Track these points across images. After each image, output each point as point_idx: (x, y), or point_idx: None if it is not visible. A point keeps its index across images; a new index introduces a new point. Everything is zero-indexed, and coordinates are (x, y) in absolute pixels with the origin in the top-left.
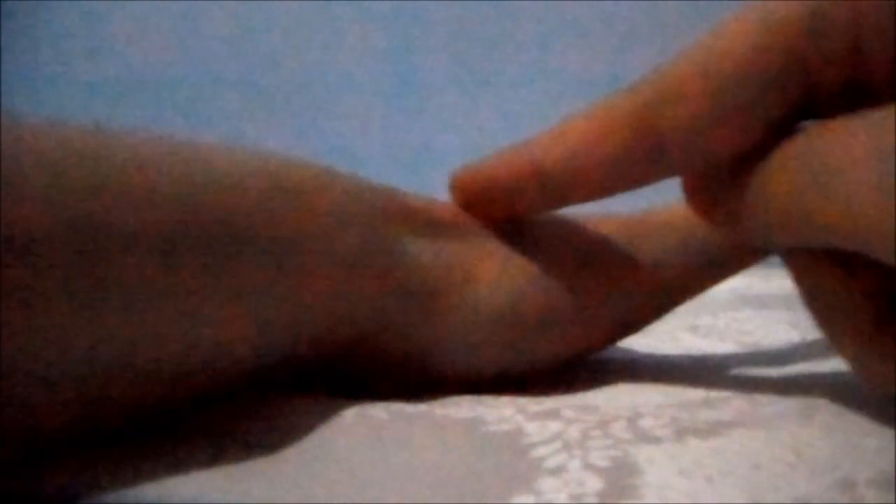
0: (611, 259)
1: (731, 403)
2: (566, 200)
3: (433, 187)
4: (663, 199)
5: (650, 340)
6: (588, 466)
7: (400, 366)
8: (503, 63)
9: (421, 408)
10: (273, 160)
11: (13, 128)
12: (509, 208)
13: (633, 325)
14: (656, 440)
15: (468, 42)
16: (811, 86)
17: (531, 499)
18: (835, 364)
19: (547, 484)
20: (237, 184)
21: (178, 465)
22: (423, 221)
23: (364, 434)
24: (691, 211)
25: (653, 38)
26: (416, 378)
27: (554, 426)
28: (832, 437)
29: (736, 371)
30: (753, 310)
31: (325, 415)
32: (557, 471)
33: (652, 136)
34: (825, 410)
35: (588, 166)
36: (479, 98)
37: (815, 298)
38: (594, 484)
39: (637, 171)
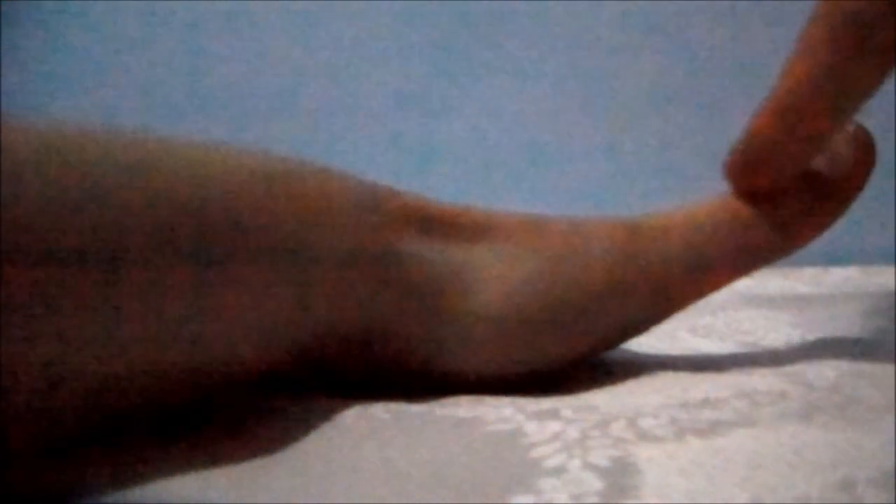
0: (613, 262)
1: (731, 403)
2: (810, 127)
3: (435, 184)
4: (664, 203)
5: (650, 340)
6: (588, 466)
7: (400, 366)
8: (502, 59)
9: (421, 408)
10: (274, 161)
11: (15, 130)
12: (779, 166)
13: (635, 328)
14: (656, 440)
15: (467, 37)
16: None
17: (531, 499)
18: (835, 364)
19: (547, 484)
20: (239, 185)
21: (179, 465)
22: (424, 222)
23: (364, 434)
24: (691, 214)
25: (648, 31)
26: (417, 378)
27: (554, 426)
28: (832, 437)
29: (736, 371)
30: (753, 310)
31: (325, 415)
32: (557, 471)
33: (850, 18)
34: (825, 410)
35: (811, 87)
36: (480, 94)
37: None
38: (594, 484)
39: (846, 66)
